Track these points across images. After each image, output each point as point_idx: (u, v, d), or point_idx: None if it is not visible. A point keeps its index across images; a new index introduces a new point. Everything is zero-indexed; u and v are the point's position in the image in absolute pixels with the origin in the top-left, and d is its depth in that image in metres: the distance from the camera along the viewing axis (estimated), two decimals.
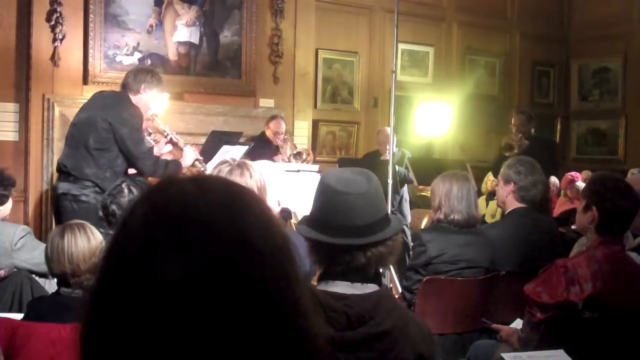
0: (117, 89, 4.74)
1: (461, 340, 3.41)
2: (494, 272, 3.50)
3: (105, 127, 4.36)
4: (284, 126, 6.61)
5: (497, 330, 3.19)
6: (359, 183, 1.80)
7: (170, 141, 4.79)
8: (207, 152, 5.36)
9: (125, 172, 4.47)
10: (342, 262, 1.77)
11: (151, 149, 4.60)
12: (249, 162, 2.90)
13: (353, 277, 1.77)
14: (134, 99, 4.49)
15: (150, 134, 4.84)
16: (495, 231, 3.71)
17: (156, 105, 4.83)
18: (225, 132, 6.15)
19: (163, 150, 4.79)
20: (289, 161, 6.38)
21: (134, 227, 0.76)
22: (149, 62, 6.49)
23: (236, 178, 2.63)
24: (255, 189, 2.60)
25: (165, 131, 4.82)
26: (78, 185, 4.36)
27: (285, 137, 6.59)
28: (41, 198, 6.08)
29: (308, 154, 6.51)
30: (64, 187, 4.41)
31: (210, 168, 4.42)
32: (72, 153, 4.47)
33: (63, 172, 4.50)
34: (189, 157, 4.68)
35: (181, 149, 4.75)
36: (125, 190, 3.38)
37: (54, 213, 4.80)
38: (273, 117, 6.67)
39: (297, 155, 6.47)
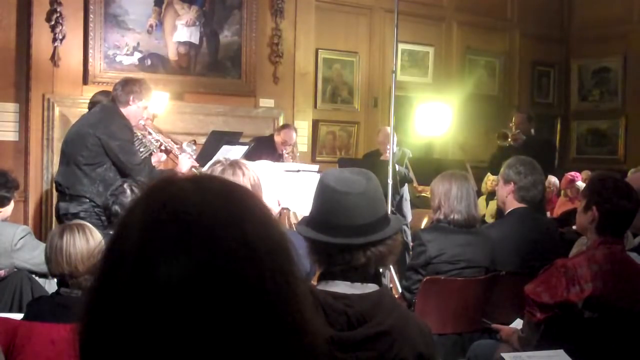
0: None
1: (461, 340, 3.41)
2: (494, 272, 3.50)
3: (95, 142, 4.35)
4: (294, 137, 6.62)
5: (497, 330, 3.19)
6: (358, 183, 1.80)
7: (165, 150, 4.78)
8: (207, 152, 5.35)
9: None
10: (342, 262, 1.77)
11: (146, 159, 4.59)
12: (241, 160, 2.90)
13: (353, 276, 1.77)
14: (124, 110, 4.48)
15: (150, 133, 4.82)
16: (495, 231, 3.70)
17: (152, 109, 4.82)
18: (225, 132, 6.14)
19: (162, 159, 4.78)
20: None
21: (133, 227, 0.76)
22: (149, 62, 6.49)
23: (229, 177, 2.61)
24: (249, 187, 2.59)
25: (158, 140, 4.80)
26: (75, 203, 4.37)
27: (292, 148, 6.61)
28: (41, 198, 6.08)
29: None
30: (63, 207, 4.42)
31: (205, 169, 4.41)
32: (64, 170, 4.49)
33: (59, 190, 4.52)
34: (185, 164, 4.65)
35: (176, 156, 4.74)
36: (128, 191, 3.37)
37: None
38: (286, 126, 6.70)
39: None
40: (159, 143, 4.77)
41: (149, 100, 4.63)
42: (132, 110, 4.50)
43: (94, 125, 4.40)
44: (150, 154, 4.69)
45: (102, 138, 4.35)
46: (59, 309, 2.47)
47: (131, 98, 4.48)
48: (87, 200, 4.34)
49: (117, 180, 4.36)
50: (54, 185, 5.82)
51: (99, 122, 4.41)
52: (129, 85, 4.52)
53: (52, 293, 2.75)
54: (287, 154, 6.57)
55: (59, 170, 4.59)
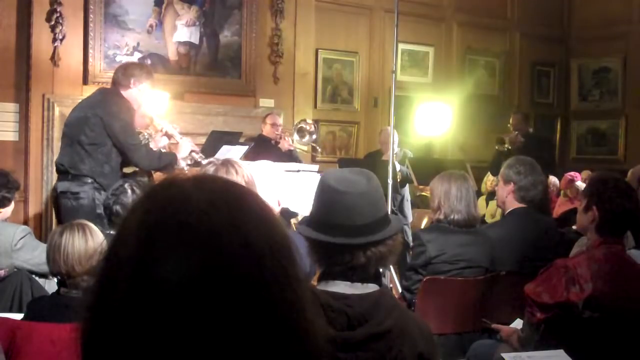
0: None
1: (461, 340, 3.41)
2: (494, 272, 3.50)
3: (96, 122, 4.39)
4: (279, 119, 6.66)
5: (497, 330, 3.19)
6: (358, 183, 1.80)
7: (166, 134, 4.81)
8: (207, 152, 5.36)
9: (122, 167, 4.50)
10: (342, 262, 1.77)
11: (146, 144, 4.62)
12: (234, 159, 2.90)
13: (353, 276, 1.77)
14: (125, 93, 4.53)
15: (140, 132, 4.84)
16: (495, 231, 3.71)
17: (150, 100, 4.84)
18: (225, 132, 6.15)
19: (160, 145, 4.80)
20: (297, 139, 6.44)
21: (134, 227, 0.76)
22: (149, 62, 6.49)
23: (222, 176, 2.61)
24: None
25: (160, 125, 4.84)
26: (77, 182, 4.39)
27: (282, 130, 6.66)
28: (41, 198, 6.08)
29: (308, 123, 6.56)
30: (63, 185, 4.44)
31: None
32: (67, 151, 4.51)
33: (61, 171, 4.53)
34: (185, 147, 4.70)
35: (177, 142, 4.77)
36: (129, 191, 3.37)
37: (55, 213, 4.81)
38: (268, 113, 6.77)
39: (300, 130, 6.52)
40: (161, 127, 4.81)
41: (150, 84, 4.67)
42: (133, 93, 4.56)
43: (94, 107, 4.46)
44: (148, 141, 4.73)
45: (103, 118, 4.39)
46: (58, 309, 2.47)
47: (132, 81, 4.54)
48: (89, 180, 4.37)
49: (120, 161, 4.43)
50: (54, 184, 5.84)
51: (100, 103, 4.47)
52: (129, 69, 4.61)
53: (52, 293, 2.75)
54: (282, 134, 6.58)
55: (62, 152, 4.61)
